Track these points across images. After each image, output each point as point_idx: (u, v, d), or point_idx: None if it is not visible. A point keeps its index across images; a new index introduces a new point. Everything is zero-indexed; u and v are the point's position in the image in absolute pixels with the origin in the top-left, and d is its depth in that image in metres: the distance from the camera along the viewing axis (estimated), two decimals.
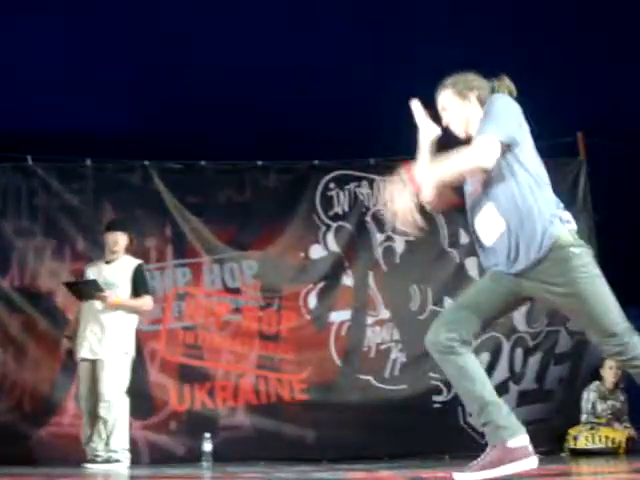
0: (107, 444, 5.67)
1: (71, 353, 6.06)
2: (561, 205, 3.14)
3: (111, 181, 7.01)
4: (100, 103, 7.69)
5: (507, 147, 3.03)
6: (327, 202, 7.28)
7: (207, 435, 6.16)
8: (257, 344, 6.96)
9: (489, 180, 3.10)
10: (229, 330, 6.97)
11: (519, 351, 7.20)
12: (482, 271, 8.14)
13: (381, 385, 6.93)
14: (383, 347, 7.09)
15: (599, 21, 7.15)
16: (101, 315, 5.84)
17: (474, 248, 8.02)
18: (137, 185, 7.05)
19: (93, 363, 5.80)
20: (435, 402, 6.92)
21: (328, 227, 7.23)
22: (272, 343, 6.98)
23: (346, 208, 7.28)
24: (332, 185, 7.30)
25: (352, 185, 7.31)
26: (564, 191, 7.35)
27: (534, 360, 7.18)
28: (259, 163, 7.26)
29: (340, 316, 7.11)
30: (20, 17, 6.85)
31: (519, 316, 7.21)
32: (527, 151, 3.09)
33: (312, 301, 7.09)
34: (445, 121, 3.26)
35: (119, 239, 6.01)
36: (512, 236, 3.06)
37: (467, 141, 3.20)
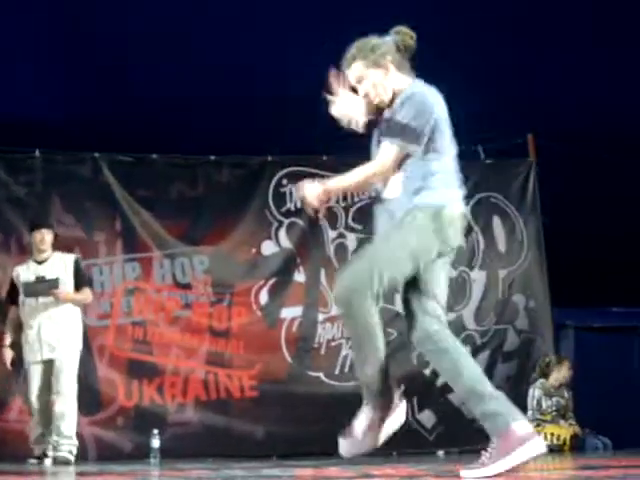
0: (69, 438, 5.72)
1: (15, 360, 6.02)
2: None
3: (60, 173, 6.89)
4: (50, 93, 7.56)
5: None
6: (280, 198, 7.26)
7: (155, 431, 6.11)
8: (207, 340, 6.92)
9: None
10: (179, 325, 6.91)
11: (467, 349, 7.26)
12: None
13: (331, 382, 6.95)
14: (334, 344, 7.11)
15: (553, 22, 7.25)
16: (53, 314, 5.84)
17: None
18: (87, 177, 6.95)
19: (49, 362, 5.80)
20: None
21: (280, 223, 7.22)
22: (222, 339, 6.95)
23: (299, 204, 7.27)
24: (285, 181, 7.29)
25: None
26: (514, 192, 7.47)
27: (482, 358, 7.26)
28: (212, 158, 7.21)
29: (291, 312, 7.11)
30: None
31: (468, 314, 7.30)
32: (438, 140, 3.08)
33: (263, 297, 7.08)
34: (362, 93, 3.16)
35: (45, 236, 5.97)
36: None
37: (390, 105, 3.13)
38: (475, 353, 7.27)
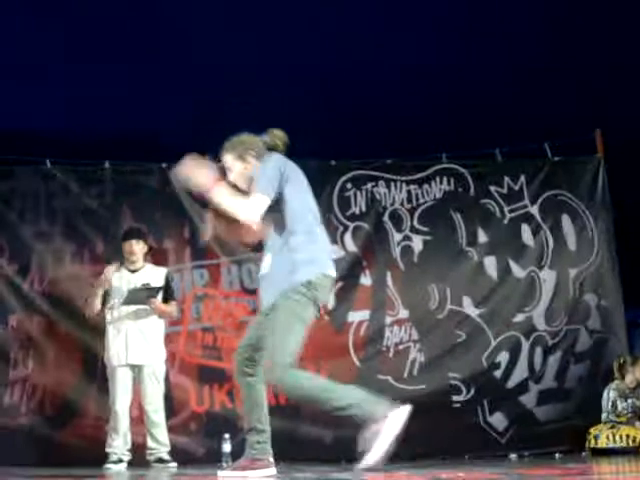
0: (165, 445, 5.97)
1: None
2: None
3: (129, 184, 7.03)
4: (118, 106, 7.73)
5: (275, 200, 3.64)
6: (344, 202, 7.27)
7: (226, 436, 6.16)
8: None
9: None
10: None
11: (539, 350, 7.16)
12: (501, 270, 8.06)
13: (400, 385, 6.91)
14: (402, 347, 7.08)
15: (622, 18, 7.10)
16: (141, 322, 5.98)
17: (493, 247, 7.98)
18: (155, 188, 7.07)
19: (135, 367, 5.94)
20: (454, 402, 6.90)
21: (345, 227, 7.22)
22: None
23: (363, 208, 7.27)
24: (349, 185, 7.29)
25: (369, 185, 7.29)
26: (582, 189, 7.32)
27: (554, 359, 7.14)
28: None
29: (358, 316, 7.10)
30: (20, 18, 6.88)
31: (538, 314, 7.18)
32: (291, 200, 3.77)
33: (330, 301, 7.08)
34: (231, 179, 3.79)
35: (134, 247, 6.09)
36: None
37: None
38: (546, 354, 7.15)
